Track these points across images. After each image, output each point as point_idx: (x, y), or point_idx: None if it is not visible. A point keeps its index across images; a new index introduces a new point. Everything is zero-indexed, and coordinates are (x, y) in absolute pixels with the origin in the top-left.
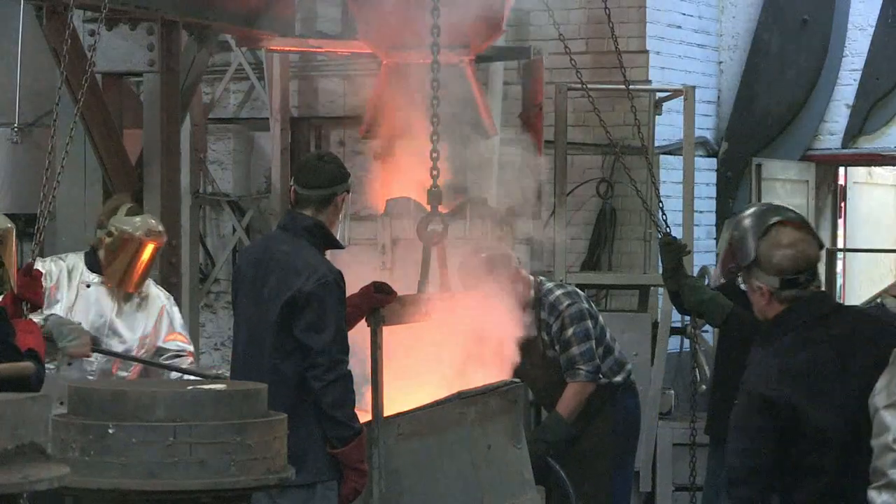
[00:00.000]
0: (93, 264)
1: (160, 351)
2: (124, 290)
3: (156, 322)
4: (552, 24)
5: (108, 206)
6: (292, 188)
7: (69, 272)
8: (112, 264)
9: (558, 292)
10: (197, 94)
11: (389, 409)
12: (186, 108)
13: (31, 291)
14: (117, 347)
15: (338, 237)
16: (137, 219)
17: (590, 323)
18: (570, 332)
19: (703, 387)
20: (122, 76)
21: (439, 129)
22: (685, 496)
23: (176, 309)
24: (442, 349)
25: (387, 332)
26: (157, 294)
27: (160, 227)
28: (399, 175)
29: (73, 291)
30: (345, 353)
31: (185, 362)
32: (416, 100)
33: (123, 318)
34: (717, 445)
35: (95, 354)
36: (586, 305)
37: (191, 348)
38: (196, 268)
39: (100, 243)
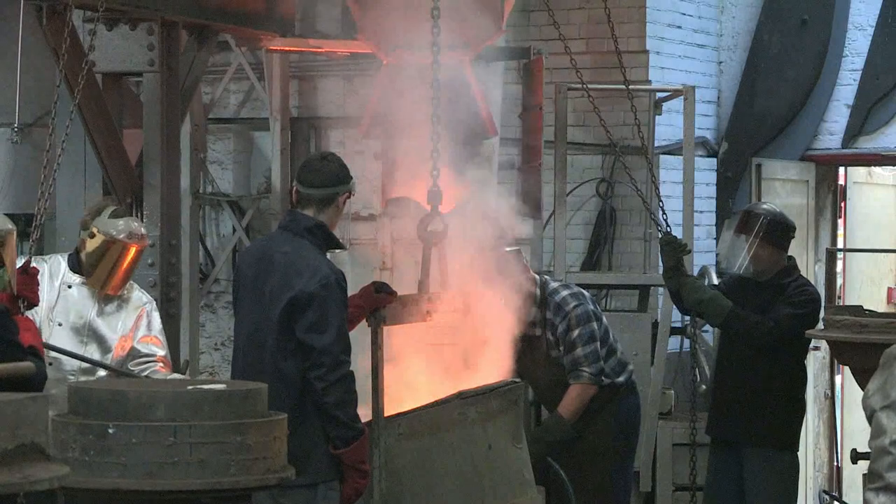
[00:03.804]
0: (75, 265)
1: (133, 351)
2: (105, 292)
3: (135, 322)
4: (552, 24)
5: (92, 208)
6: (294, 188)
7: (50, 273)
8: (94, 266)
9: (564, 293)
10: (197, 94)
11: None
12: (186, 108)
13: (28, 289)
14: (98, 348)
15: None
16: (121, 221)
17: (595, 325)
18: (575, 333)
19: (703, 387)
20: (122, 76)
21: (439, 129)
22: (685, 496)
23: (157, 314)
24: (448, 347)
25: (393, 331)
26: (140, 296)
27: (143, 230)
28: (399, 175)
29: (53, 292)
30: (347, 354)
31: (155, 367)
32: (416, 100)
33: (104, 319)
34: (717, 446)
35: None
36: (592, 307)
37: (162, 353)
38: (196, 268)
39: (82, 245)
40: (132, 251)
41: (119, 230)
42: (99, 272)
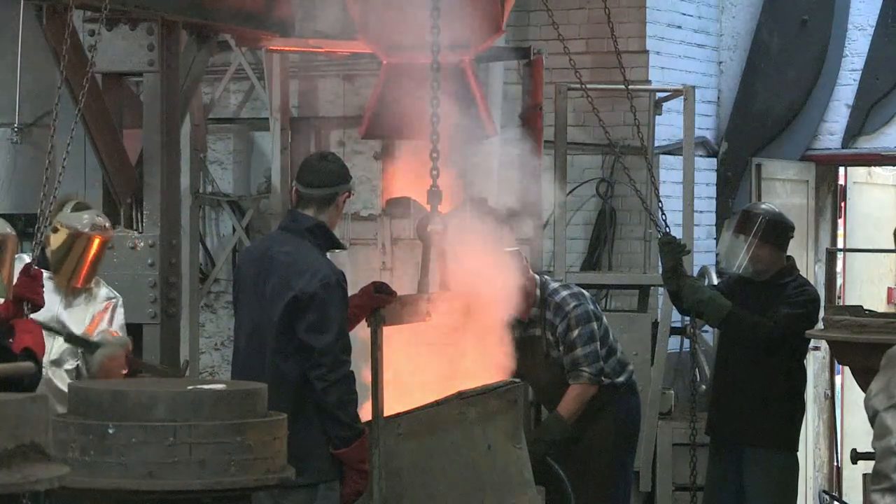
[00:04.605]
0: (40, 260)
1: None
2: (73, 285)
3: (100, 314)
4: (552, 24)
5: (54, 203)
6: (294, 188)
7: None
8: (61, 261)
9: (564, 293)
10: (197, 94)
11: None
12: (186, 108)
13: (32, 291)
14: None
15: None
16: (84, 214)
17: (595, 325)
18: (575, 333)
19: (703, 387)
20: (122, 76)
21: (439, 129)
22: (685, 496)
23: (121, 310)
24: (448, 347)
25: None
26: (107, 292)
27: (106, 223)
28: (399, 175)
29: None
30: (347, 354)
31: None
32: (416, 100)
33: (71, 313)
34: (717, 446)
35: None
36: (592, 307)
37: None
38: (196, 268)
39: (47, 241)
40: (97, 242)
41: (83, 223)
42: (66, 267)
